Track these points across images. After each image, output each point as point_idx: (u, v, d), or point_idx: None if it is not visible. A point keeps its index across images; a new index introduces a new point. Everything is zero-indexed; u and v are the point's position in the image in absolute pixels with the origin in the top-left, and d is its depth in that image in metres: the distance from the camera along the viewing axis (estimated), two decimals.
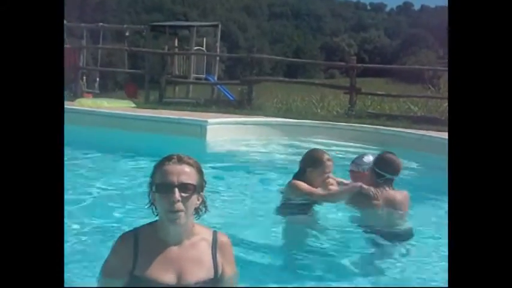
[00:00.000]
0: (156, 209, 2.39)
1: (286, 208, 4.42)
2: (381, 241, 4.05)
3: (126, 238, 2.41)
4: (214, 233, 2.50)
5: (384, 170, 4.26)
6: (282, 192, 4.59)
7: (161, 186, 2.32)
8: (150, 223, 2.44)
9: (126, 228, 2.55)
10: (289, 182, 4.43)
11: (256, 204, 5.02)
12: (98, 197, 5.17)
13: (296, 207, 4.39)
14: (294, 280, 3.49)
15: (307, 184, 4.28)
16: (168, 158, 2.37)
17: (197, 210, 2.43)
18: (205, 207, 2.47)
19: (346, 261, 3.83)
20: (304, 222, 4.37)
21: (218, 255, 2.45)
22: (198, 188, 2.37)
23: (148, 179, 2.40)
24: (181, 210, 2.30)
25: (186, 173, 2.33)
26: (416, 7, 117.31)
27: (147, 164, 6.70)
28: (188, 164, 2.37)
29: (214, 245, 2.45)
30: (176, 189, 2.28)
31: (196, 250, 2.42)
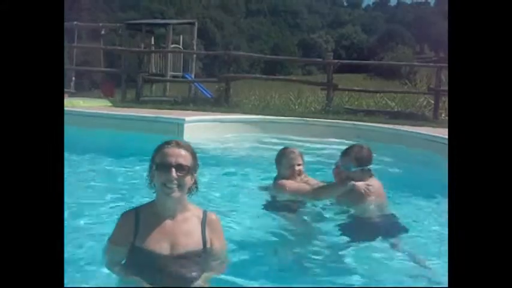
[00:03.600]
0: (154, 186, 2.76)
1: (273, 207, 4.39)
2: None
3: (129, 214, 2.82)
4: (204, 212, 2.90)
5: (359, 163, 4.15)
6: (266, 190, 4.58)
7: (161, 166, 2.70)
8: (149, 202, 2.84)
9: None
10: (274, 182, 4.41)
11: (234, 202, 5.00)
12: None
13: (283, 205, 4.35)
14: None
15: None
16: (168, 142, 2.78)
17: (190, 189, 2.80)
18: (196, 187, 2.85)
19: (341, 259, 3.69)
20: (291, 220, 4.25)
21: (207, 230, 2.84)
22: (191, 170, 2.76)
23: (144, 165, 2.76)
24: (176, 185, 2.67)
25: (183, 156, 2.72)
26: (393, 3, 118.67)
27: (124, 163, 6.65)
28: (184, 148, 2.77)
29: (204, 221, 2.85)
30: (173, 169, 2.67)
31: (188, 224, 2.81)
